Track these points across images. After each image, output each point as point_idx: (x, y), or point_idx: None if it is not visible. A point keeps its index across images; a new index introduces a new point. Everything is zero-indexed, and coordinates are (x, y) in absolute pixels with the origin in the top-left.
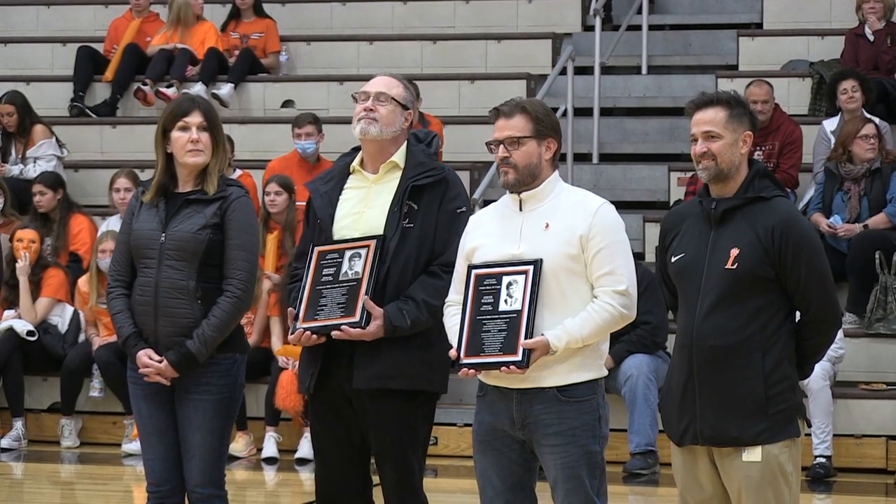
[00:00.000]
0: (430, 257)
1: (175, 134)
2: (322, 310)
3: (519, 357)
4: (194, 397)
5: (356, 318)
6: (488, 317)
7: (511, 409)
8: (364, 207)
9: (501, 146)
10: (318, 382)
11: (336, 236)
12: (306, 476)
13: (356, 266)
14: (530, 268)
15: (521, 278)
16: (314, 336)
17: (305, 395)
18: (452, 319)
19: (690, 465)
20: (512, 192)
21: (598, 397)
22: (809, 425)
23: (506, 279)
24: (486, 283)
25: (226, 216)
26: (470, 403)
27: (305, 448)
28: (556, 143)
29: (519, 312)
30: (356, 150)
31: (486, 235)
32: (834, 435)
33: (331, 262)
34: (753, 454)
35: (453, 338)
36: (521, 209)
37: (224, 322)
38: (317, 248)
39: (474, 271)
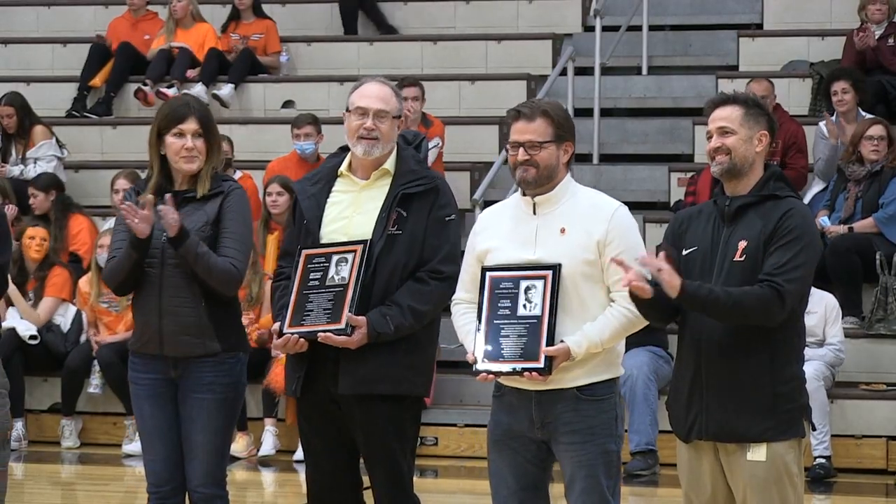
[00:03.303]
0: (419, 264)
1: (170, 139)
2: (308, 315)
3: (541, 364)
4: (199, 396)
5: (342, 325)
6: (506, 321)
7: (530, 410)
8: (353, 212)
9: (521, 149)
10: (305, 385)
11: (324, 240)
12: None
13: (343, 271)
14: (549, 273)
15: (539, 283)
16: (301, 341)
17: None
18: (463, 318)
19: (696, 462)
20: (525, 195)
21: (615, 396)
22: (814, 428)
23: (523, 283)
24: (502, 287)
25: (222, 208)
26: (470, 404)
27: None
28: (573, 147)
29: (539, 318)
30: (343, 149)
31: (499, 238)
32: (834, 435)
33: (318, 267)
34: (758, 453)
35: (465, 337)
36: (534, 212)
37: (212, 258)
38: (304, 251)
39: (489, 274)
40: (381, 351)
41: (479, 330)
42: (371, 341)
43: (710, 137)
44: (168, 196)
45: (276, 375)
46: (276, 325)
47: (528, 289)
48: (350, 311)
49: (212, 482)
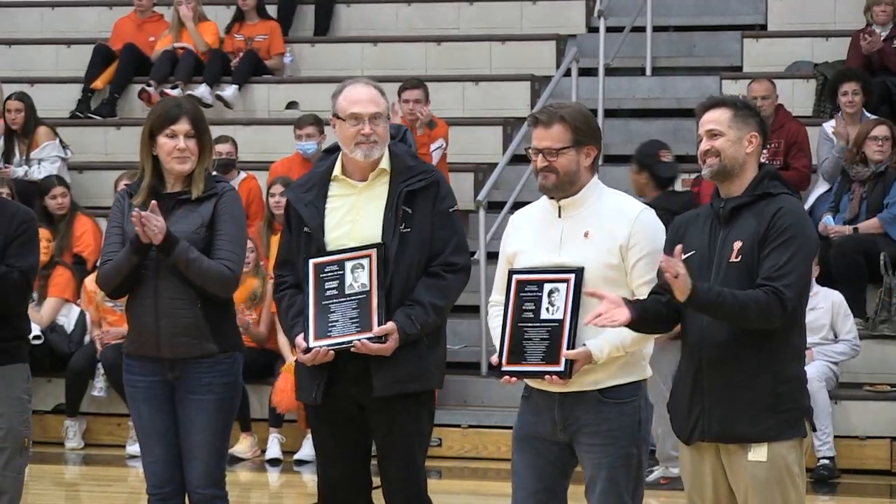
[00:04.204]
0: (430, 258)
1: (162, 140)
2: (334, 326)
3: (561, 367)
4: (197, 397)
5: (376, 334)
6: (530, 324)
7: (553, 411)
8: (356, 216)
9: (540, 155)
10: (324, 390)
11: (331, 247)
12: (309, 477)
13: (361, 278)
14: (572, 276)
15: (562, 286)
16: (330, 352)
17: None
18: (496, 321)
19: (698, 464)
20: (550, 198)
21: (640, 399)
22: (814, 429)
23: (547, 287)
24: (527, 290)
25: (216, 210)
26: (474, 405)
27: (306, 450)
28: (596, 149)
29: (561, 322)
30: (328, 152)
31: (526, 241)
32: (838, 436)
33: (332, 275)
34: (759, 453)
35: (497, 339)
36: (559, 216)
37: (205, 263)
38: (312, 261)
39: (515, 277)
40: (409, 350)
41: (503, 332)
42: (401, 344)
43: (700, 141)
44: (153, 203)
45: (280, 391)
46: (300, 339)
47: (551, 292)
48: (379, 317)
49: (211, 483)
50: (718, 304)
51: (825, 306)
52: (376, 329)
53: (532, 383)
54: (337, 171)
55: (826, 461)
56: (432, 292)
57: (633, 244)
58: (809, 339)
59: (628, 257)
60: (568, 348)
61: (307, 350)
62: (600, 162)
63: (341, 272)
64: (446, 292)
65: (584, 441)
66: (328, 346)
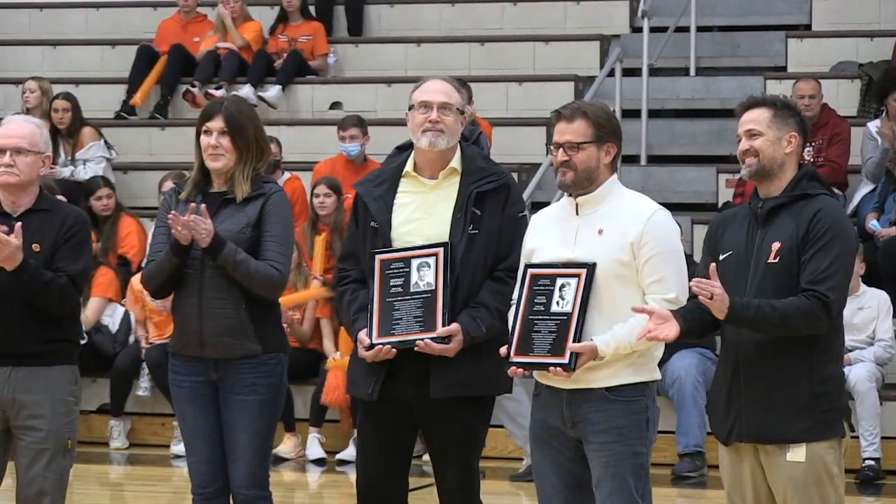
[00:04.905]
0: (496, 261)
1: (201, 137)
2: (398, 324)
3: (566, 360)
4: (240, 398)
5: (440, 334)
6: (540, 317)
7: (562, 408)
8: (424, 213)
9: (561, 149)
10: (381, 388)
11: (396, 243)
12: (354, 477)
13: (427, 276)
14: (583, 271)
15: (573, 281)
16: (393, 350)
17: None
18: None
19: (737, 465)
20: (569, 195)
21: (647, 399)
22: (853, 430)
23: (559, 281)
24: (540, 284)
25: (263, 210)
26: None
27: (351, 449)
28: (616, 148)
29: (569, 315)
30: (400, 149)
31: (544, 237)
32: (883, 437)
33: (397, 272)
34: (798, 454)
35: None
36: (577, 213)
37: (252, 264)
38: (378, 257)
39: (530, 270)
40: (470, 354)
41: (514, 324)
42: (466, 346)
43: (739, 140)
44: (203, 207)
45: (332, 389)
46: (363, 335)
47: (562, 286)
48: (443, 317)
49: (255, 483)
50: (760, 319)
51: (872, 305)
52: (441, 329)
53: (540, 379)
54: (409, 167)
55: (871, 462)
56: (497, 297)
57: (644, 243)
58: (857, 338)
59: (639, 255)
60: (574, 342)
61: (370, 346)
62: (644, 162)
63: (407, 269)
64: (508, 297)
65: (592, 440)
66: (392, 343)
